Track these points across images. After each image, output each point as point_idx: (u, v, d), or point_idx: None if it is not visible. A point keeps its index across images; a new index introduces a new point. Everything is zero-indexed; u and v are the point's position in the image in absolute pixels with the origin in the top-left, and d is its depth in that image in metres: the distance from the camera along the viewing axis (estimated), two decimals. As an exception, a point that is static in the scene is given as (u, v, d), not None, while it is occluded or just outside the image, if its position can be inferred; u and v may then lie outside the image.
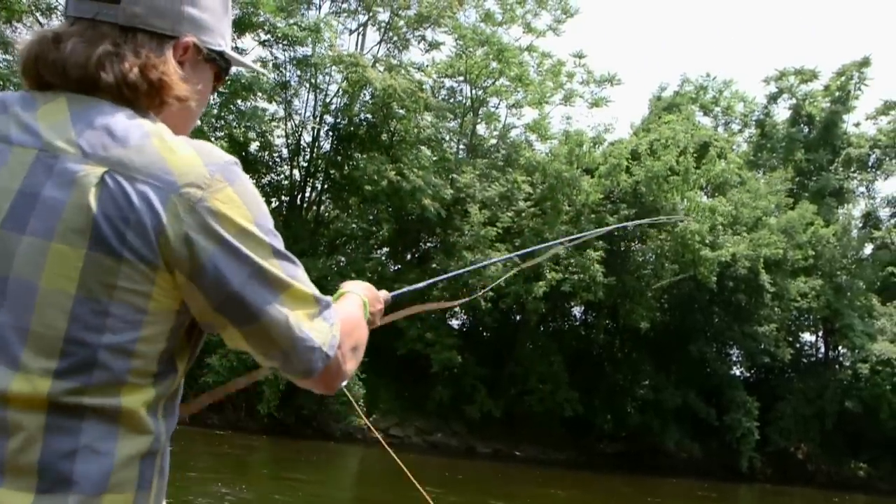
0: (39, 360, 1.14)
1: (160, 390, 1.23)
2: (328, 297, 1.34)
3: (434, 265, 26.53)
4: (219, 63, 1.43)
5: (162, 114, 1.29)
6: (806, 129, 36.94)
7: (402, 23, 29.04)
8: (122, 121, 1.22)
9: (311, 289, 1.28)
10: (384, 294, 1.89)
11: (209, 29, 1.38)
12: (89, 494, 1.14)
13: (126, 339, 1.17)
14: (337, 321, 1.33)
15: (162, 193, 1.16)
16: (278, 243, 1.25)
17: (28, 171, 1.18)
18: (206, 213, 1.18)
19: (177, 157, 1.19)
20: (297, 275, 1.26)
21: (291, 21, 25.58)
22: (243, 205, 1.21)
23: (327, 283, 23.38)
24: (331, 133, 28.55)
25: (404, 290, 2.41)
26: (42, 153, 1.19)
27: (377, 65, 27.61)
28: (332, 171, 28.54)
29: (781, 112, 38.25)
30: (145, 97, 1.27)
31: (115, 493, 1.17)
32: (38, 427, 1.13)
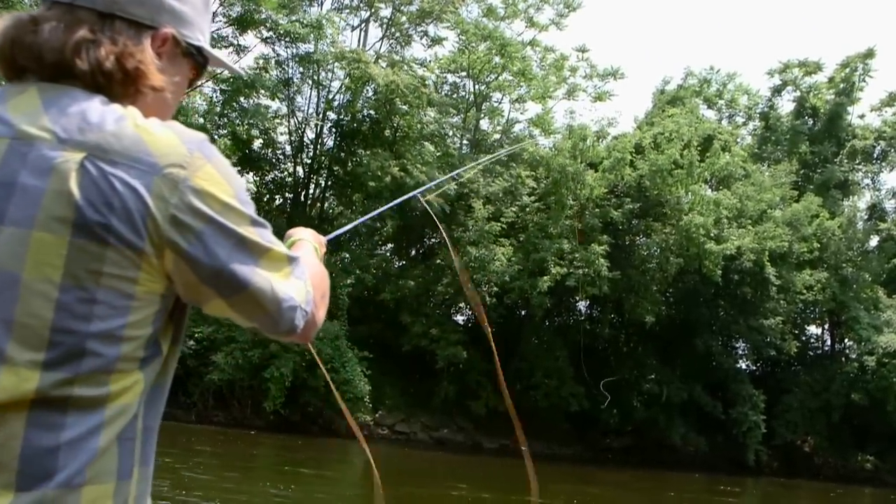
0: (26, 352, 1.12)
1: (147, 375, 1.23)
2: (296, 254, 1.36)
3: (438, 261, 26.54)
4: (197, 58, 1.42)
5: (136, 104, 1.28)
6: (810, 122, 36.80)
7: (404, 18, 29.05)
8: (95, 106, 1.21)
9: (284, 249, 1.32)
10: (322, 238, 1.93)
11: (189, 22, 1.37)
12: (69, 487, 1.12)
13: (114, 325, 1.16)
14: (308, 276, 1.36)
15: (146, 176, 1.16)
16: (253, 211, 1.27)
17: (1, 160, 1.17)
18: (191, 192, 1.18)
19: (155, 138, 1.19)
20: (272, 238, 1.29)
21: (293, 18, 25.58)
22: (223, 180, 1.22)
23: (332, 280, 23.38)
24: (334, 130, 28.58)
25: (338, 231, 2.56)
26: (15, 142, 1.17)
27: (380, 61, 27.61)
28: (335, 168, 28.56)
29: (785, 104, 38.15)
30: (119, 85, 1.26)
31: (94, 485, 1.15)
32: (21, 422, 1.11)
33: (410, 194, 3.58)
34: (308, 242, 1.69)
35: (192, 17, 1.38)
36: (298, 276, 1.33)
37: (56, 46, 1.22)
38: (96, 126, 1.17)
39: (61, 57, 1.22)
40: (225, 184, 1.22)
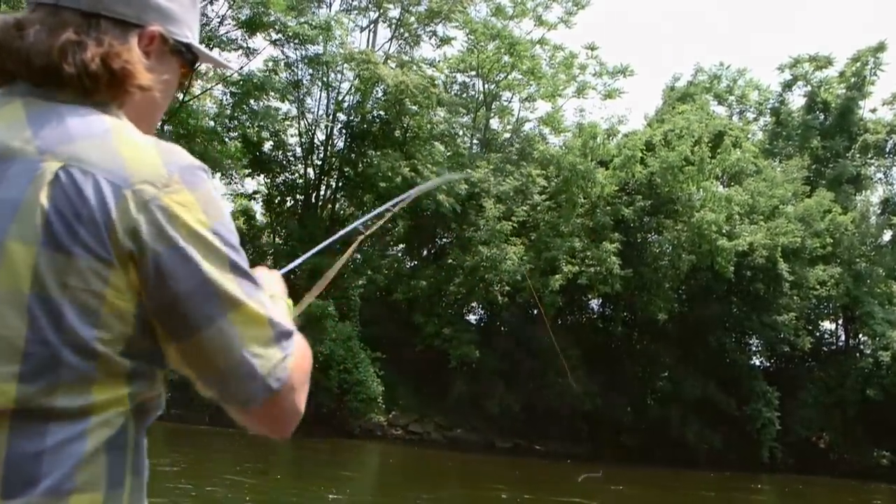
0: (1, 364, 1.10)
1: (134, 389, 1.18)
2: (291, 326, 1.23)
3: (450, 260, 26.53)
4: (185, 56, 1.39)
5: (124, 104, 1.26)
6: (822, 116, 36.66)
7: (412, 19, 29.04)
8: (80, 118, 1.19)
9: (269, 312, 1.19)
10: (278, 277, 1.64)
11: (176, 19, 1.35)
12: (57, 495, 1.10)
13: (85, 338, 1.12)
14: (293, 352, 1.22)
15: (115, 188, 1.12)
16: (239, 259, 1.18)
17: None
18: (159, 211, 1.13)
19: (134, 152, 1.16)
20: (253, 294, 1.18)
21: (302, 20, 25.58)
22: (200, 210, 1.15)
23: (343, 282, 23.46)
24: (344, 131, 28.61)
25: (289, 266, 2.09)
26: None
27: (389, 61, 27.62)
28: (346, 169, 28.58)
29: (796, 100, 38.07)
30: (106, 87, 1.23)
31: (82, 493, 1.12)
32: (4, 433, 1.09)
33: (351, 226, 3.01)
34: (282, 301, 1.49)
35: (180, 13, 1.35)
36: (282, 347, 1.20)
37: (43, 51, 1.20)
38: (77, 137, 1.16)
39: (49, 61, 1.20)
40: (200, 213, 1.15)
